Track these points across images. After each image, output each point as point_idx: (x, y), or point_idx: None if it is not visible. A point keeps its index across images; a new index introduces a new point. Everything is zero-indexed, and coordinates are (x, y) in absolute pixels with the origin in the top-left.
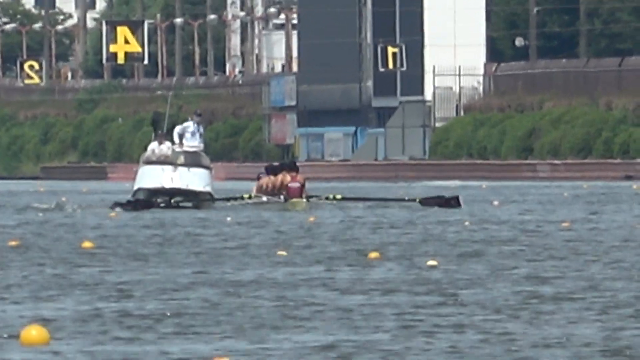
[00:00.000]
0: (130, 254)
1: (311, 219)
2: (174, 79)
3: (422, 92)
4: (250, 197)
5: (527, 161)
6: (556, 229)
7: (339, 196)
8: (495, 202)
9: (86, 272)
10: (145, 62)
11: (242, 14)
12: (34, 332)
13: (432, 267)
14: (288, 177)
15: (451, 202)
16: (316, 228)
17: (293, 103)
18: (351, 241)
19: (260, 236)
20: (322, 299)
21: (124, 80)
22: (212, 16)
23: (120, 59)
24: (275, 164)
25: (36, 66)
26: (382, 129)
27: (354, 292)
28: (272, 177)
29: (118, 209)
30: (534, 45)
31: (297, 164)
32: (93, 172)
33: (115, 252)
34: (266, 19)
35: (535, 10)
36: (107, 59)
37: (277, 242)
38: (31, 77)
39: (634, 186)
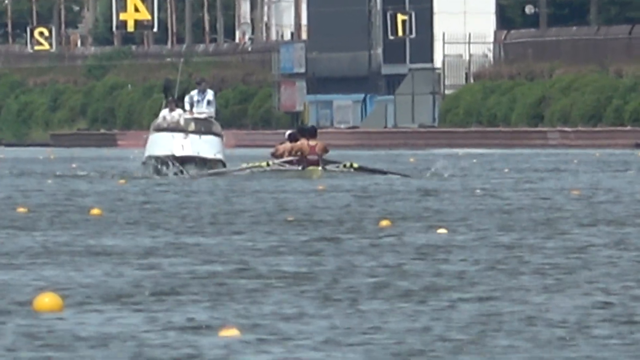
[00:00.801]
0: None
1: (320, 187)
2: (184, 46)
3: (431, 60)
4: (268, 165)
5: (538, 128)
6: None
7: (355, 164)
8: (506, 170)
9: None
10: (155, 29)
11: None
12: (47, 300)
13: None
14: (307, 147)
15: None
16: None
17: (302, 70)
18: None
19: (267, 203)
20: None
21: (134, 47)
22: None
23: (130, 27)
24: (296, 131)
25: (46, 33)
26: (391, 97)
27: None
28: (291, 143)
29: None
30: (544, 13)
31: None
32: (102, 139)
33: (115, 218)
34: None
35: None
36: (117, 27)
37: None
38: (41, 44)
39: None
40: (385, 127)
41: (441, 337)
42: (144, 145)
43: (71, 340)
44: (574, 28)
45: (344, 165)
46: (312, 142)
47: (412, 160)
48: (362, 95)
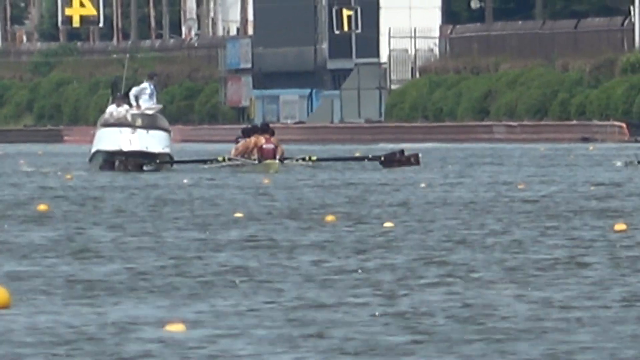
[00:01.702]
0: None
1: (266, 180)
2: (130, 42)
3: (377, 55)
4: (224, 160)
5: (484, 123)
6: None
7: (314, 157)
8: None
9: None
10: (101, 25)
11: None
12: None
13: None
14: (262, 139)
15: (411, 160)
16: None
17: (249, 66)
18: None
19: (220, 198)
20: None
21: (79, 43)
22: None
23: (76, 22)
24: (249, 126)
25: None
26: (337, 92)
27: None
28: (246, 140)
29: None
30: (490, 7)
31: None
32: (49, 135)
33: (65, 215)
34: None
35: None
36: (63, 23)
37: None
38: None
39: (590, 147)
40: (332, 122)
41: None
42: (91, 141)
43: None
44: (520, 22)
45: (303, 159)
46: (266, 136)
47: (357, 154)
48: (308, 90)
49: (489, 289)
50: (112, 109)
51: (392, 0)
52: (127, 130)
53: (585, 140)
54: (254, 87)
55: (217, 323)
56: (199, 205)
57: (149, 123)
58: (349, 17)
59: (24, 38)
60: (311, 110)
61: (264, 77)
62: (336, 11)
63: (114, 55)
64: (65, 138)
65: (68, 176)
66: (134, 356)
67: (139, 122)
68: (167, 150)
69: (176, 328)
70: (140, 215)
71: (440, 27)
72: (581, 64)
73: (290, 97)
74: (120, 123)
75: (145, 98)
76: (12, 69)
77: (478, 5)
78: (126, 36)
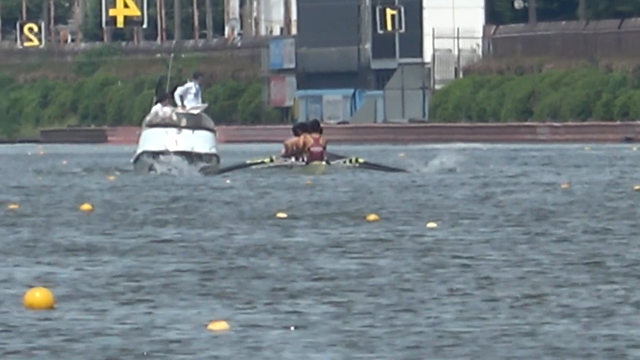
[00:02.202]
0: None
1: (309, 182)
2: (173, 41)
3: (421, 55)
4: (271, 161)
5: (527, 123)
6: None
7: (361, 160)
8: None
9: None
10: (145, 25)
11: None
12: (38, 295)
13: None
14: (310, 139)
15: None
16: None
17: (292, 66)
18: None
19: (262, 199)
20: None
21: (123, 43)
22: None
23: (120, 23)
24: (300, 123)
25: (35, 29)
26: (380, 92)
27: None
28: (295, 138)
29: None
30: (533, 7)
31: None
32: (93, 135)
33: (111, 215)
34: None
35: None
36: (107, 23)
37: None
38: (30, 40)
39: (634, 148)
40: (375, 122)
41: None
42: (137, 141)
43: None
44: (563, 22)
45: (349, 160)
46: (315, 135)
47: (401, 155)
48: (351, 90)
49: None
50: (157, 109)
51: (435, 0)
52: (173, 130)
53: (629, 140)
54: (298, 87)
55: (266, 324)
56: (241, 205)
57: (195, 123)
58: (393, 16)
59: (68, 38)
60: (354, 110)
61: (308, 77)
62: (380, 11)
63: (158, 55)
64: (109, 138)
65: (111, 177)
66: (179, 354)
67: (184, 122)
68: (213, 150)
69: (219, 327)
70: (187, 216)
71: (484, 27)
72: (625, 64)
73: (334, 97)
74: (165, 123)
75: (190, 98)
76: (56, 69)
77: (522, 6)
78: (170, 36)
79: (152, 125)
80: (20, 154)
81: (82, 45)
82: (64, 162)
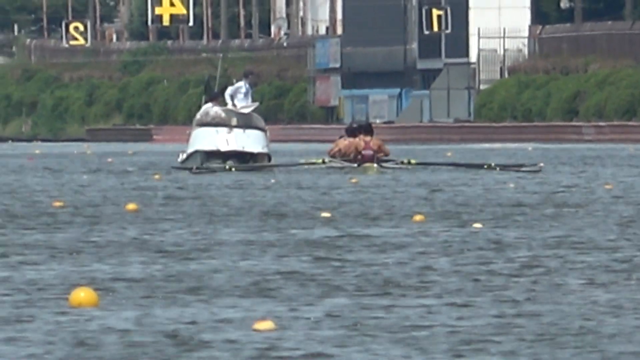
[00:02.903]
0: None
1: (354, 180)
2: (219, 41)
3: (466, 55)
4: (323, 162)
5: (572, 123)
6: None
7: (413, 161)
8: (541, 164)
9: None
10: (191, 24)
11: None
12: (82, 294)
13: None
14: (361, 143)
15: (531, 170)
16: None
17: (337, 65)
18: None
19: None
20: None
21: (169, 42)
22: None
23: (166, 22)
24: (354, 125)
25: (81, 28)
26: (426, 91)
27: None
28: (348, 140)
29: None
30: (579, 7)
31: (342, 126)
32: (138, 134)
33: (157, 212)
34: None
35: None
36: (153, 22)
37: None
38: (76, 39)
39: None
40: (421, 121)
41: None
42: (186, 140)
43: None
44: (609, 22)
45: (402, 162)
46: (367, 138)
47: (449, 154)
48: (397, 90)
49: None
50: (207, 108)
51: (481, 0)
52: (224, 129)
53: None
54: (343, 86)
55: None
56: (284, 204)
57: (245, 122)
58: (439, 17)
59: (114, 37)
60: (400, 110)
61: (353, 77)
62: (426, 11)
63: (204, 55)
64: (155, 137)
65: (156, 176)
66: (221, 355)
67: (234, 121)
68: (265, 150)
69: (265, 326)
70: (231, 215)
71: (530, 27)
72: None
73: (380, 97)
74: (216, 122)
75: (240, 97)
76: (101, 68)
77: (567, 5)
78: (216, 35)
79: (202, 124)
80: (66, 152)
81: (128, 44)
82: (109, 159)
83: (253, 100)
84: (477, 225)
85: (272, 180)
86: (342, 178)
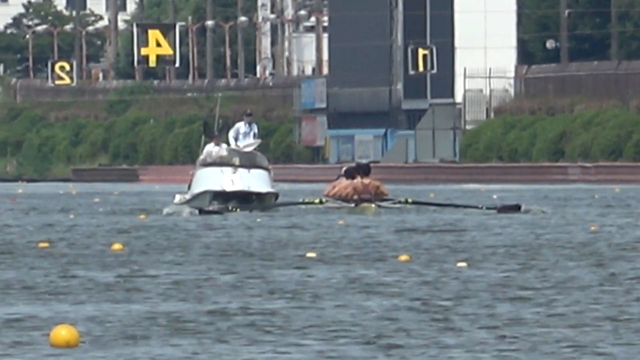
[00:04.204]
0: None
1: (341, 221)
2: (205, 80)
3: (452, 95)
4: (321, 202)
5: (558, 164)
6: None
7: (410, 200)
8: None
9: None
10: (177, 65)
11: (273, 16)
12: (63, 332)
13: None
14: (360, 186)
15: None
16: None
17: (323, 105)
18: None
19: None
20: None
21: (155, 82)
22: (243, 18)
23: (152, 62)
24: (353, 165)
25: (67, 67)
26: (412, 131)
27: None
28: (346, 181)
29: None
30: (565, 48)
31: (327, 166)
32: (124, 175)
33: (142, 253)
34: (297, 21)
35: (566, 12)
36: (139, 62)
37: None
38: (62, 78)
39: None
40: (406, 162)
41: None
42: (189, 181)
43: None
44: (595, 63)
45: (399, 201)
46: (365, 181)
47: (432, 195)
48: (383, 130)
49: None
50: (210, 148)
51: (467, 40)
52: (229, 169)
53: None
54: (329, 126)
55: None
56: (267, 244)
57: (250, 162)
58: (424, 56)
59: (100, 76)
60: (386, 150)
61: (339, 117)
62: (412, 51)
63: (190, 94)
64: (141, 177)
65: (142, 216)
66: None
67: (237, 160)
68: (271, 189)
69: None
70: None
71: (516, 67)
72: None
73: (365, 137)
74: (220, 162)
75: (240, 137)
76: (87, 107)
77: (553, 46)
78: (202, 75)
79: (206, 164)
80: (52, 192)
81: (114, 83)
82: (96, 200)
83: (256, 138)
84: (462, 264)
85: (258, 220)
86: (330, 219)
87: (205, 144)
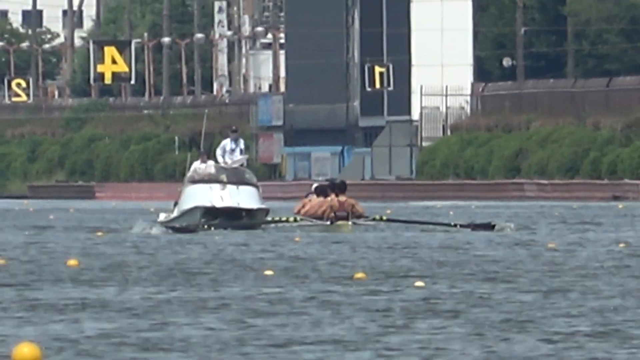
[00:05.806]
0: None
1: (297, 238)
2: (161, 98)
3: (409, 112)
4: (295, 220)
5: (515, 180)
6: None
7: (385, 217)
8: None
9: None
10: (133, 82)
11: (230, 33)
12: (26, 350)
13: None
14: (336, 204)
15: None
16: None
17: (280, 123)
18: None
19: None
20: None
21: (111, 99)
22: (200, 35)
23: (108, 79)
24: (325, 183)
25: (23, 84)
26: (368, 149)
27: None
28: (318, 199)
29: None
30: (522, 65)
31: (284, 183)
32: (80, 191)
33: (102, 271)
34: (253, 38)
35: (522, 30)
36: (95, 79)
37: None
38: (18, 95)
39: (620, 206)
40: (363, 179)
41: None
42: (177, 198)
43: None
44: (551, 80)
45: (374, 219)
46: (341, 198)
47: (389, 212)
48: (339, 147)
49: None
50: (196, 165)
51: (424, 58)
52: (217, 186)
53: (617, 198)
54: (286, 144)
55: None
56: (223, 263)
57: (238, 179)
58: (381, 74)
59: (56, 93)
60: (342, 167)
61: (296, 134)
62: (368, 68)
63: (146, 112)
64: (97, 194)
65: (99, 233)
66: None
67: (224, 177)
68: (261, 205)
69: None
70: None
71: (472, 85)
72: (612, 122)
73: (322, 154)
74: (208, 179)
75: (227, 155)
76: (44, 124)
77: (510, 64)
78: (158, 92)
79: (195, 181)
80: (7, 209)
81: (70, 101)
82: (51, 217)
83: (242, 154)
84: (420, 283)
85: (216, 237)
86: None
87: (192, 161)
